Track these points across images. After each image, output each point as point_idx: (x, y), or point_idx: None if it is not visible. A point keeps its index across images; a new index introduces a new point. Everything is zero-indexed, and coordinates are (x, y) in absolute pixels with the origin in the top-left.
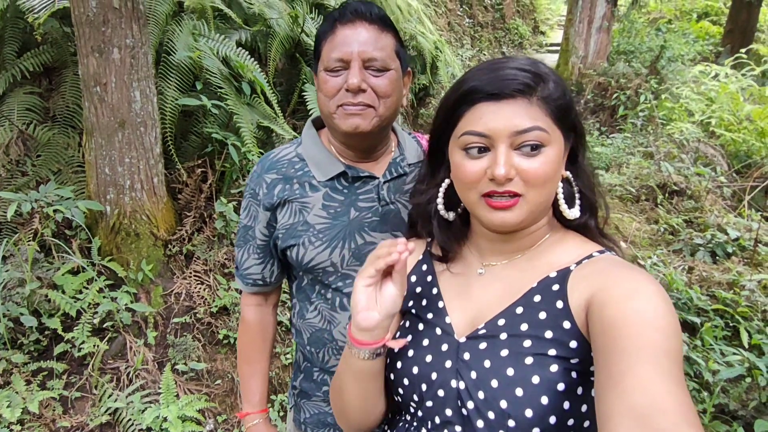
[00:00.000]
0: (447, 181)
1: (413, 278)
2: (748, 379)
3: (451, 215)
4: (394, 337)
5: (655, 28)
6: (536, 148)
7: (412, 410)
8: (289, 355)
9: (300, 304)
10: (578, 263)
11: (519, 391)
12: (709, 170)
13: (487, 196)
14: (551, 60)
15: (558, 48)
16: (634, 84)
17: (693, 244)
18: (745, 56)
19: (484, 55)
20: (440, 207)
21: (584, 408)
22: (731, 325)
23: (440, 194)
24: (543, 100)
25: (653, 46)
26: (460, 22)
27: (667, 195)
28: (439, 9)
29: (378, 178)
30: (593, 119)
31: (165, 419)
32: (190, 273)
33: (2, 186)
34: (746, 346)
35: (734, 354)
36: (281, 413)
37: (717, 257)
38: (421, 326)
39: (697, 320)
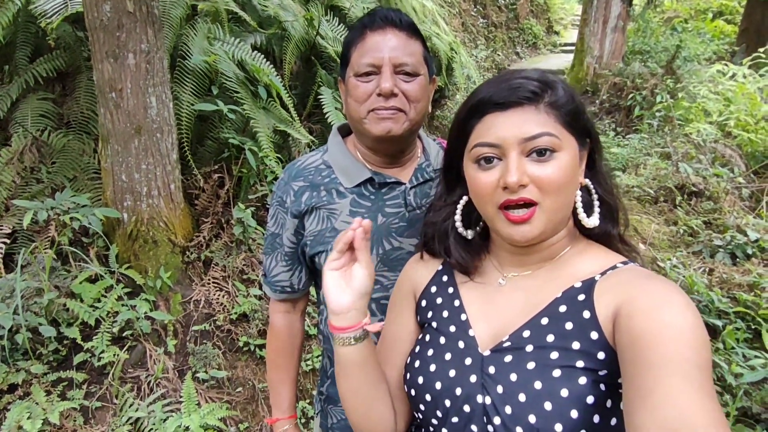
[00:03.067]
0: (465, 198)
1: (433, 289)
2: None
3: (469, 233)
4: (413, 350)
5: (670, 28)
6: (547, 153)
7: (432, 428)
8: (309, 362)
9: (327, 311)
10: (603, 274)
11: (548, 405)
12: (727, 171)
13: (504, 209)
14: (566, 60)
15: (572, 48)
16: (650, 84)
17: (712, 245)
18: (763, 56)
19: (498, 55)
20: (458, 224)
21: (614, 421)
22: (753, 327)
23: (458, 211)
24: (551, 106)
25: (668, 45)
26: (474, 23)
27: (685, 196)
28: (453, 9)
29: (404, 184)
30: (609, 119)
31: (187, 428)
32: (209, 280)
33: (17, 194)
34: None
35: (756, 357)
36: (302, 420)
37: (737, 259)
38: (442, 340)
39: (719, 323)
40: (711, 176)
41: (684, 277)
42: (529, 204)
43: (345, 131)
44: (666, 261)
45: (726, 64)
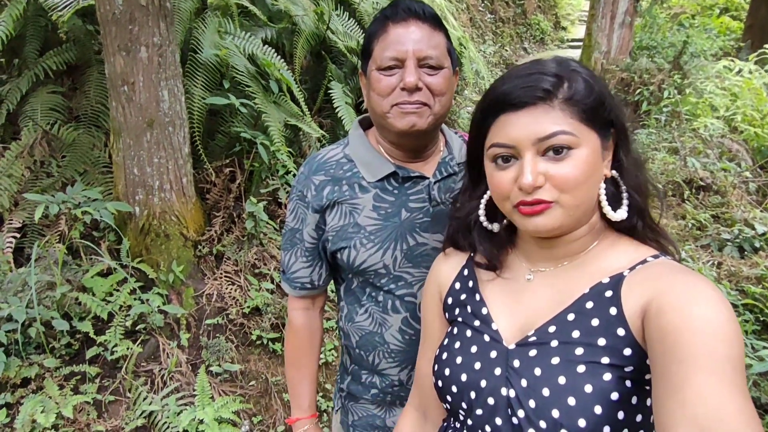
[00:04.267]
0: (489, 192)
1: (457, 285)
2: None
3: (495, 226)
4: (441, 343)
5: (677, 23)
6: (564, 151)
7: (461, 417)
8: (322, 355)
9: (349, 307)
10: (632, 269)
11: (571, 400)
12: (734, 165)
13: (521, 205)
14: (573, 56)
15: (579, 44)
16: (657, 79)
17: (720, 239)
18: None
19: (506, 50)
20: (482, 218)
21: (639, 418)
22: (761, 319)
23: (482, 206)
24: (566, 102)
25: (675, 41)
26: (482, 18)
27: (693, 190)
28: (461, 5)
29: (428, 178)
30: None
31: (201, 421)
32: (221, 274)
33: (27, 188)
34: None
35: (765, 348)
36: None
37: (745, 252)
38: (469, 333)
39: None
40: (718, 171)
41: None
42: (544, 201)
43: (366, 124)
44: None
45: (732, 60)
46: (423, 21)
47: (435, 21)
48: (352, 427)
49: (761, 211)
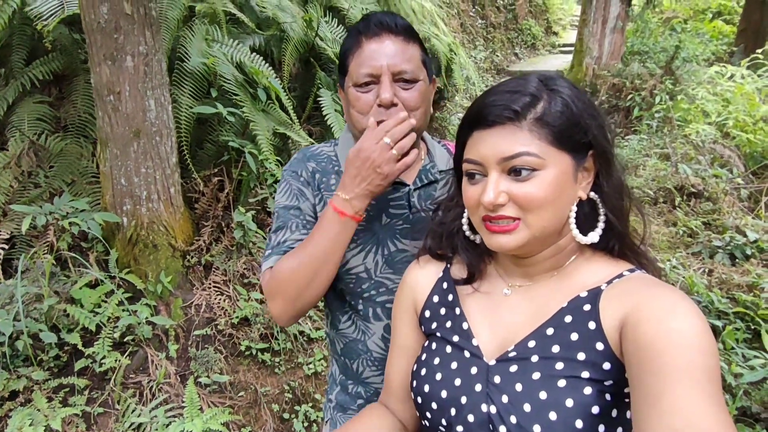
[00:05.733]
0: None
1: (435, 298)
2: None
3: (478, 238)
4: (419, 358)
5: (669, 28)
6: (525, 172)
7: None
8: (311, 365)
9: (333, 314)
10: (609, 282)
11: (553, 415)
12: (726, 172)
13: (487, 221)
14: (565, 61)
15: (571, 49)
16: (649, 85)
17: (712, 246)
18: (761, 56)
19: (497, 56)
20: (465, 227)
21: (619, 431)
22: (752, 327)
23: (465, 214)
24: (536, 123)
25: (667, 46)
26: (473, 24)
27: (684, 197)
28: (452, 10)
29: (408, 186)
30: (608, 120)
31: None
32: (210, 284)
33: (15, 199)
34: None
35: (756, 357)
36: (305, 423)
37: (736, 259)
38: (448, 349)
39: (719, 323)
40: (710, 177)
41: (684, 277)
42: (511, 218)
43: None
44: (666, 262)
45: (724, 66)
46: (396, 34)
47: (408, 33)
48: None
49: (753, 217)
